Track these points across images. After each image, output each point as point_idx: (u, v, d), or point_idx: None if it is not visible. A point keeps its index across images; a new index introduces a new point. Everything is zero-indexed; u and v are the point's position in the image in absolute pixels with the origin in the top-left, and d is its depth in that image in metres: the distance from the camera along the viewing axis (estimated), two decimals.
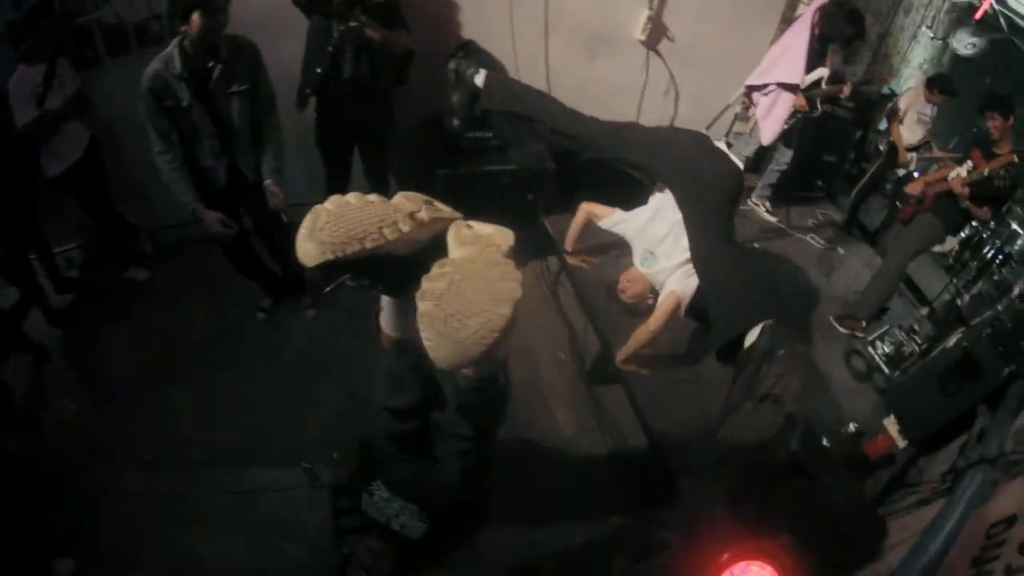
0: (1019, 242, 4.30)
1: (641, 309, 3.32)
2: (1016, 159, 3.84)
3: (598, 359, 3.59)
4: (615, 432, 3.31)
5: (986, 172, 3.84)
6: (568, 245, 3.64)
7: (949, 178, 4.11)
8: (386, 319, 2.12)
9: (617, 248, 3.55)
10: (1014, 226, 4.41)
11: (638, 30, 4.43)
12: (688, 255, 3.08)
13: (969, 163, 4.05)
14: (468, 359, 1.55)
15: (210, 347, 3.42)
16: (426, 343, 1.53)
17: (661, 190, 3.21)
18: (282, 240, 3.19)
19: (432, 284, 1.56)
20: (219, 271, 3.50)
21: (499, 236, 1.74)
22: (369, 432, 2.87)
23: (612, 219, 3.39)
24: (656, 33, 4.51)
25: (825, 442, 3.38)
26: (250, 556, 2.64)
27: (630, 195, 3.51)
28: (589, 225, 3.52)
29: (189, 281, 3.77)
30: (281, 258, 3.50)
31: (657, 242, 3.17)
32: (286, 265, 3.49)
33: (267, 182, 3.10)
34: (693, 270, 3.11)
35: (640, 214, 3.29)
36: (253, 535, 2.71)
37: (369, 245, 1.63)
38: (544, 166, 4.04)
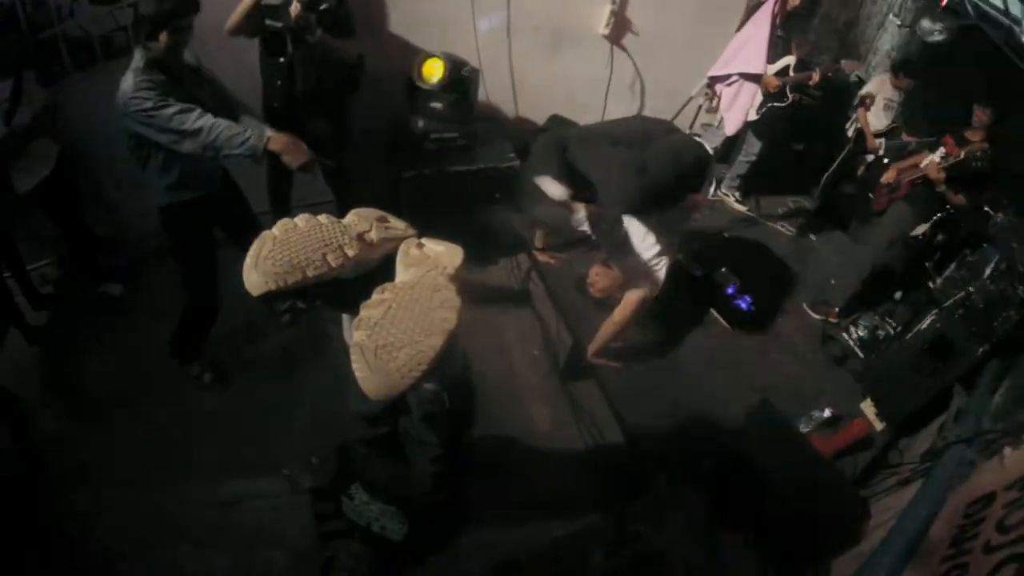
0: (991, 223, 4.35)
1: (610, 303, 3.36)
2: (988, 146, 3.85)
3: (571, 354, 3.59)
4: (590, 426, 3.31)
5: (962, 155, 3.84)
6: (537, 242, 3.66)
7: (922, 164, 4.11)
8: (347, 332, 2.10)
9: (586, 244, 3.57)
10: (985, 207, 4.46)
11: (601, 24, 4.42)
12: (654, 251, 3.11)
13: (942, 149, 4.04)
14: (395, 391, 1.54)
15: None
16: (356, 373, 1.53)
17: None
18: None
19: (368, 312, 1.58)
20: None
21: (447, 256, 1.74)
22: (346, 436, 2.88)
23: (580, 215, 3.41)
24: (619, 27, 4.49)
25: (802, 427, 3.42)
26: (234, 566, 2.64)
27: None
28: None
29: (163, 293, 3.65)
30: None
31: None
32: None
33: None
34: (659, 265, 3.14)
35: None
36: (236, 545, 2.71)
37: (311, 273, 1.63)
38: (510, 164, 4.01)
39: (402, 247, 1.76)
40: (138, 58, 2.61)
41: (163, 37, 2.55)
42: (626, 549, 2.53)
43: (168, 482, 2.87)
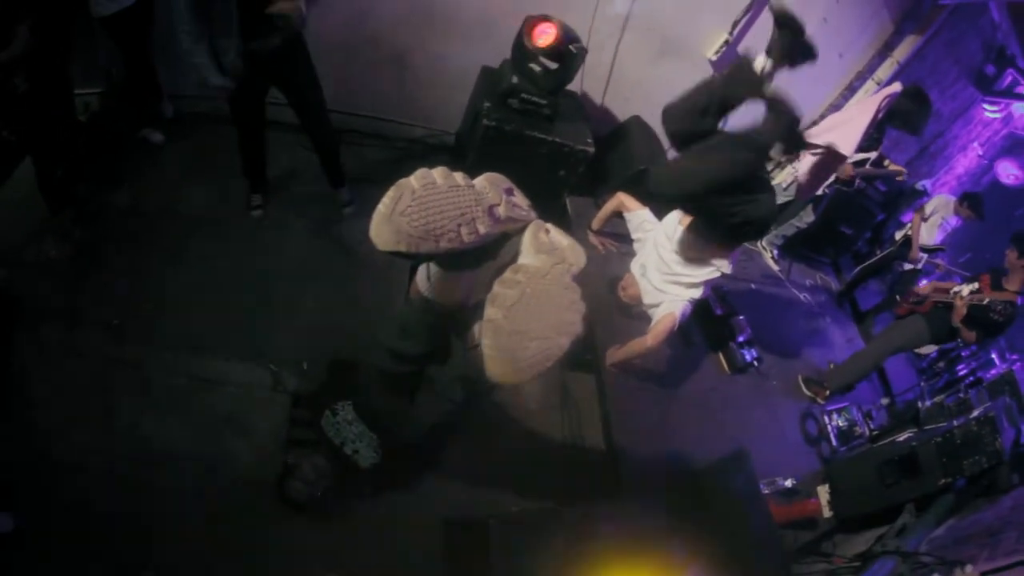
0: (992, 372, 4.49)
1: (633, 312, 3.42)
2: (1018, 300, 3.98)
3: (580, 347, 3.57)
4: (575, 419, 3.39)
5: (986, 301, 3.98)
6: (594, 224, 3.66)
7: (952, 291, 4.25)
8: (423, 277, 2.07)
9: (630, 247, 3.57)
10: (993, 355, 4.59)
11: (711, 50, 4.41)
12: (693, 279, 3.14)
13: (975, 284, 4.18)
14: (518, 378, 1.55)
15: (205, 229, 3.33)
16: (485, 351, 1.53)
17: None
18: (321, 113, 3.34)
19: (504, 290, 1.56)
20: (234, 154, 3.39)
21: (572, 254, 1.74)
22: (343, 353, 2.92)
23: (638, 217, 3.42)
24: (726, 58, 4.44)
25: (763, 487, 3.50)
26: (195, 444, 2.63)
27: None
28: (617, 213, 3.54)
29: (201, 157, 3.64)
30: (322, 137, 3.50)
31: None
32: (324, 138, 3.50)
33: None
34: (692, 294, 3.17)
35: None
36: (202, 424, 2.69)
37: (444, 245, 1.57)
38: (584, 147, 4.01)
39: (531, 229, 1.74)
40: None
41: None
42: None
43: (151, 341, 2.84)
